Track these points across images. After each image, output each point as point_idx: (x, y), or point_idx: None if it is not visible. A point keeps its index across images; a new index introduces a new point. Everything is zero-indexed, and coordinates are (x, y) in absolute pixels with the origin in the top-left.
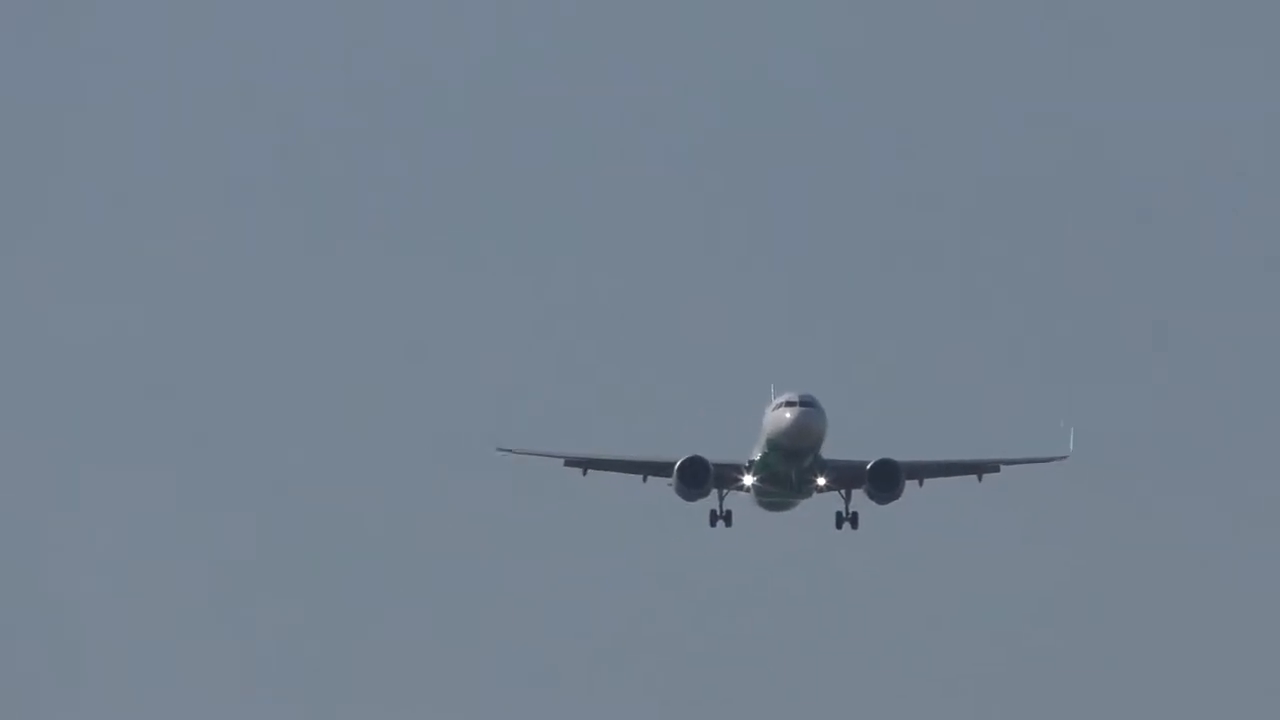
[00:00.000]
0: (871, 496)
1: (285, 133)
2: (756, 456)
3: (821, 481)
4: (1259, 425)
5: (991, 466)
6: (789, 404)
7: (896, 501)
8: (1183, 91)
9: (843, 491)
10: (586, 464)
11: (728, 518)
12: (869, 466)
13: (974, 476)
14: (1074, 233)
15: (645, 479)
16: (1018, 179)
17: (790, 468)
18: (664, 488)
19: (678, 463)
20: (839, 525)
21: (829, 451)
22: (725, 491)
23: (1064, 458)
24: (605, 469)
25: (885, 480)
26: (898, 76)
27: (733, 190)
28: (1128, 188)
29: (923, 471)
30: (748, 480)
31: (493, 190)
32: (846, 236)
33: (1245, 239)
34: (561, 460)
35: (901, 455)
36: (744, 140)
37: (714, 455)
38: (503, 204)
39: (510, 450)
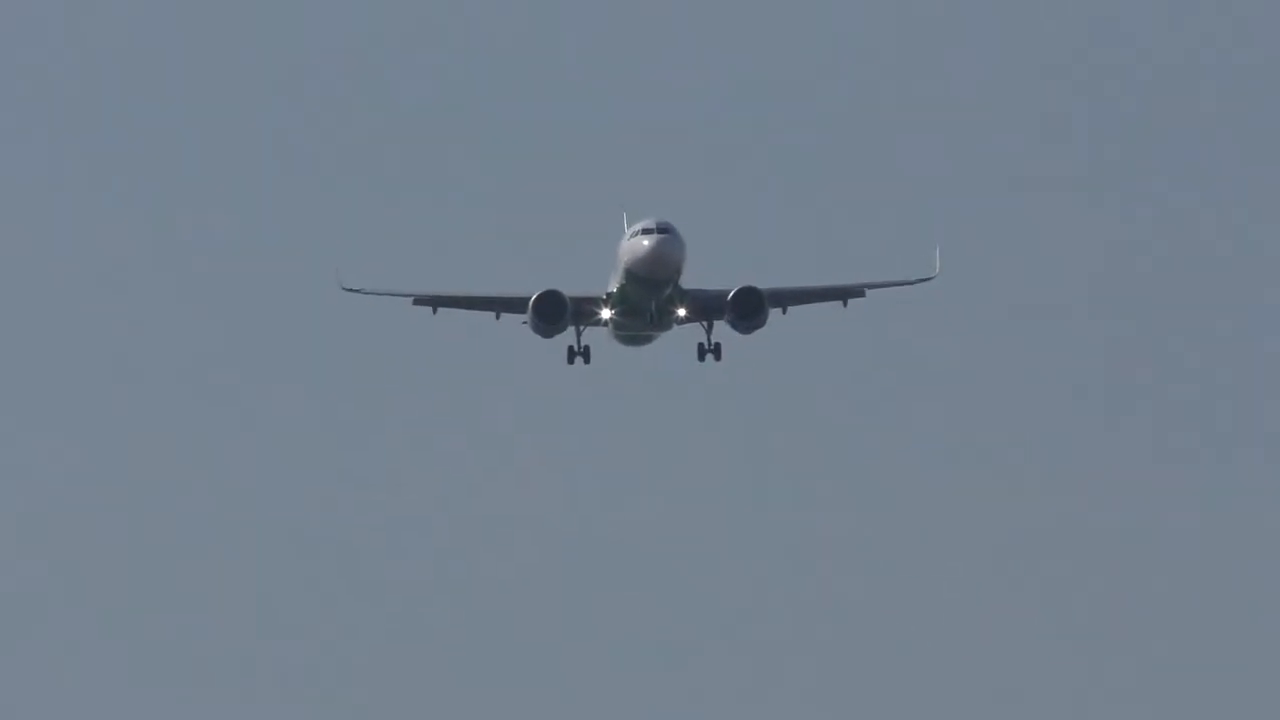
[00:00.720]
0: (734, 326)
1: None
2: (614, 289)
3: (682, 313)
4: (1132, 235)
5: (857, 291)
6: (645, 231)
7: (760, 330)
8: None
9: (704, 323)
10: (436, 302)
11: (586, 354)
12: (730, 295)
13: (839, 303)
14: (941, 38)
15: (498, 316)
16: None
17: (649, 299)
18: (518, 326)
19: (533, 297)
20: (701, 358)
21: (688, 281)
22: (582, 327)
23: (930, 279)
24: (456, 306)
25: (747, 308)
26: None
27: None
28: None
29: (785, 299)
30: (605, 314)
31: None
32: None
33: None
34: (410, 299)
35: (763, 283)
36: None
37: (570, 289)
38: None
39: (357, 290)
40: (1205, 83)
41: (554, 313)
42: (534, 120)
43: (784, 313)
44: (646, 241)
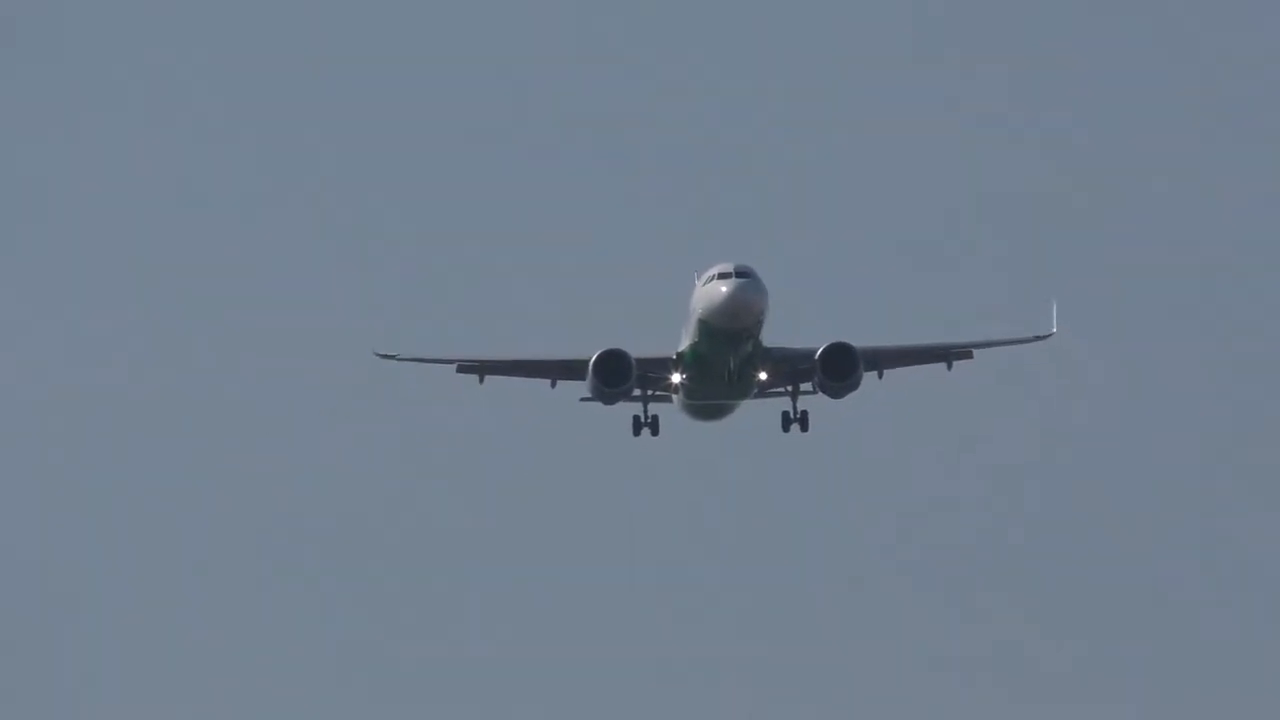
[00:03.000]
0: (823, 389)
1: None
2: (685, 347)
3: (763, 376)
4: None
5: (963, 351)
6: (722, 276)
7: (853, 394)
8: None
9: (788, 388)
10: (483, 368)
11: (654, 425)
12: (819, 352)
13: (943, 364)
14: (1061, 85)
15: (554, 384)
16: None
17: (727, 354)
18: (575, 396)
19: (594, 357)
20: (786, 428)
21: (770, 340)
22: (650, 394)
23: (1048, 336)
24: (505, 373)
25: (839, 367)
26: None
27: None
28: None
29: (881, 360)
30: (676, 378)
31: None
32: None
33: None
34: (454, 365)
35: (856, 342)
36: None
37: (635, 350)
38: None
39: (391, 356)
40: None
41: (618, 375)
42: (596, 167)
43: (880, 376)
44: (724, 287)
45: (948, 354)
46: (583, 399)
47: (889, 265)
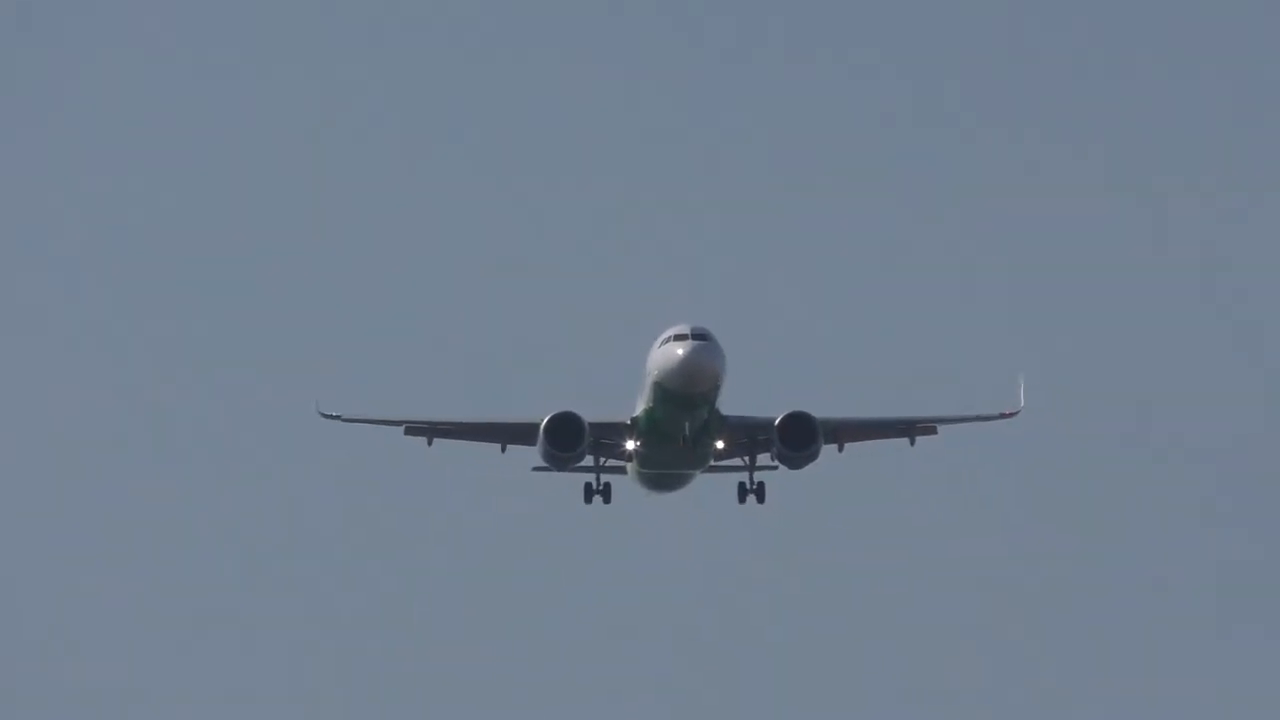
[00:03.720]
0: (781, 459)
1: None
2: (640, 411)
3: (720, 445)
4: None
5: (927, 427)
6: (679, 337)
7: (811, 464)
8: None
9: (745, 458)
10: (432, 431)
11: (606, 492)
12: (777, 420)
13: (905, 440)
14: (1017, 155)
15: (504, 449)
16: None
17: (683, 420)
18: (526, 463)
19: (545, 419)
20: (742, 499)
21: (728, 408)
22: (602, 462)
23: (1014, 414)
24: (455, 436)
25: (798, 436)
26: None
27: None
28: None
29: (843, 432)
30: (630, 445)
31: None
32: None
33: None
34: (401, 427)
35: (817, 412)
36: None
37: (588, 415)
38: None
39: (336, 416)
40: None
41: (570, 439)
42: (539, 223)
43: (840, 449)
44: (680, 349)
45: (912, 428)
46: (535, 468)
47: (852, 334)
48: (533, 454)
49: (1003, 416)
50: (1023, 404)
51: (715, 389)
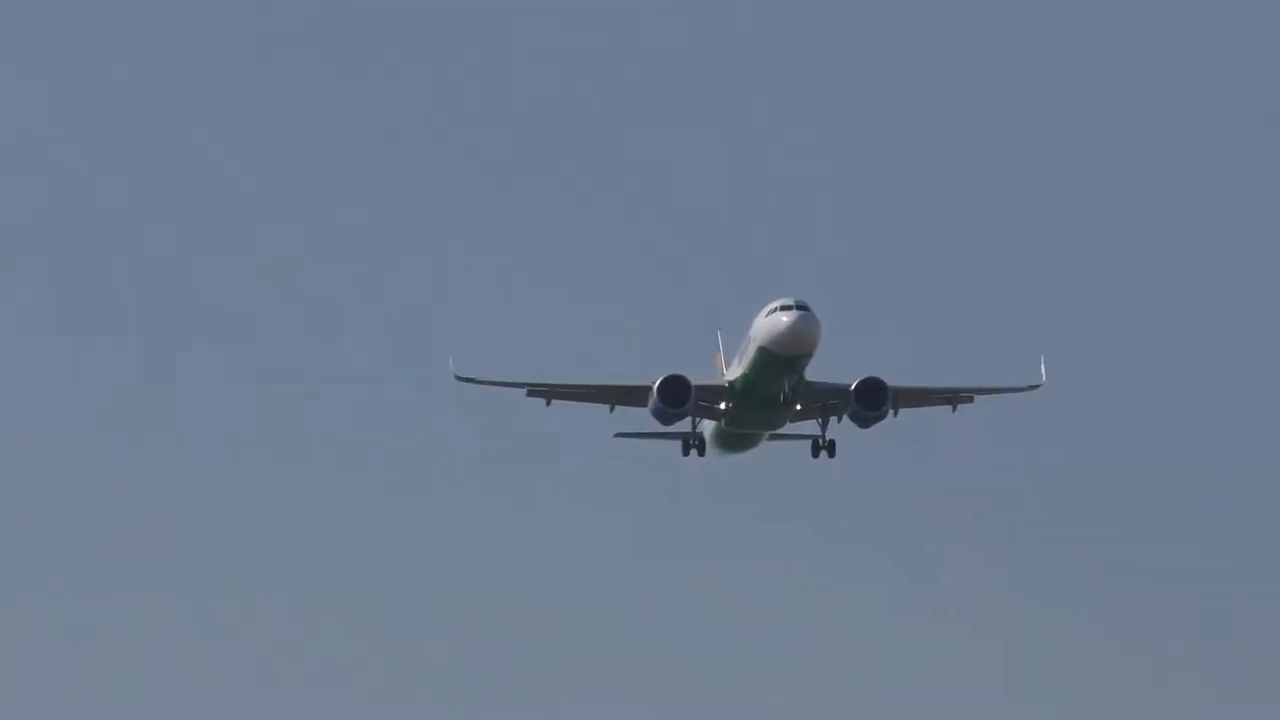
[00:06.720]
0: (855, 418)
1: None
2: (736, 376)
3: (799, 407)
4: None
5: (966, 396)
6: (784, 308)
7: (878, 423)
8: None
9: (819, 420)
10: (553, 392)
11: (700, 446)
12: (854, 385)
13: (948, 407)
14: (1049, 150)
15: (612, 409)
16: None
17: (781, 382)
18: (630, 419)
19: (657, 381)
20: (815, 454)
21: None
22: (698, 420)
23: (1037, 386)
24: (571, 397)
25: (872, 398)
26: None
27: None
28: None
29: (899, 398)
30: (722, 405)
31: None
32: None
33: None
34: (524, 389)
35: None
36: None
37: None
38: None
39: (471, 379)
40: None
41: (679, 396)
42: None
43: (894, 414)
44: (785, 317)
45: (956, 396)
46: (617, 434)
47: (901, 306)
48: (632, 415)
49: (1030, 388)
50: (1044, 378)
51: (811, 354)
